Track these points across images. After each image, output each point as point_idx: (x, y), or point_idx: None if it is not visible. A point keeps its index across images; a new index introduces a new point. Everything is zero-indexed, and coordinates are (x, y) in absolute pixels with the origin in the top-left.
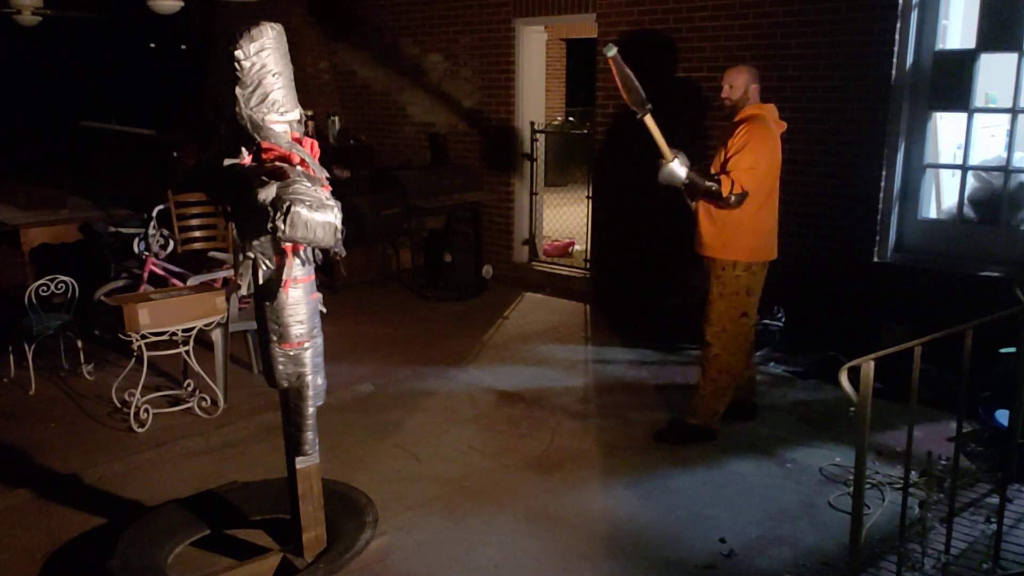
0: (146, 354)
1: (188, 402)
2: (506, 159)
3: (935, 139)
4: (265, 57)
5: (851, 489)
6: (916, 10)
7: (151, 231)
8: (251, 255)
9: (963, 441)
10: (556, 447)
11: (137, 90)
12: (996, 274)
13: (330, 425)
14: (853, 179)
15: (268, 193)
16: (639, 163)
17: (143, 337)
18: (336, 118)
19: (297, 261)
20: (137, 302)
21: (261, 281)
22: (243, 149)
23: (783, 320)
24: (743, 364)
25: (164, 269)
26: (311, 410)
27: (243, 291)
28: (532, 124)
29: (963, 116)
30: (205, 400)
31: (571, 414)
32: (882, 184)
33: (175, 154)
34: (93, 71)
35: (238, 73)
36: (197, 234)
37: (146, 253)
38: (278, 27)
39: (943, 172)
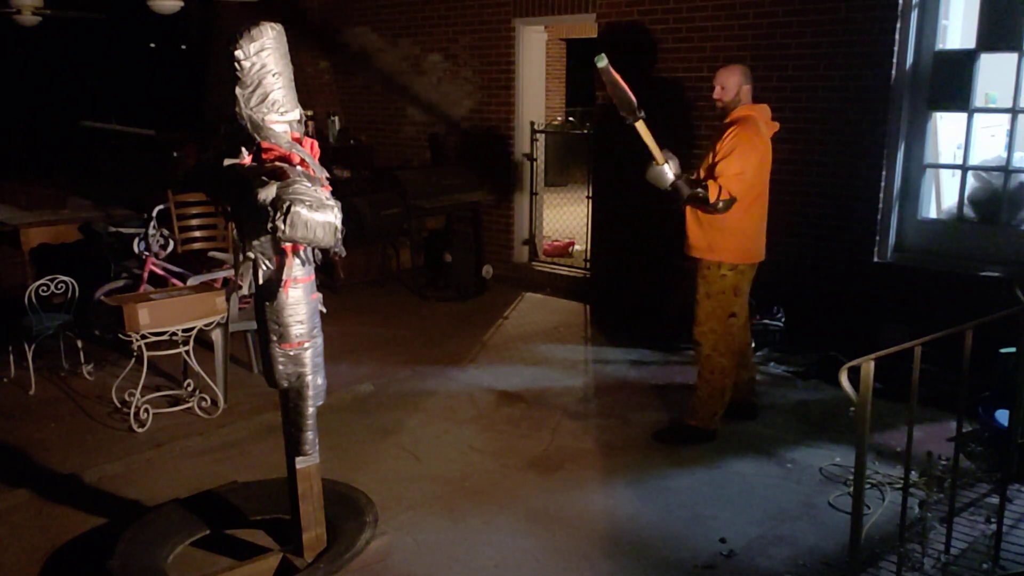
0: (146, 354)
1: (188, 402)
2: (506, 159)
3: (935, 139)
4: (265, 57)
5: (851, 489)
6: (916, 10)
7: (151, 231)
8: (251, 255)
9: (963, 441)
10: (556, 447)
11: (137, 90)
12: (996, 274)
13: (330, 425)
14: (853, 179)
15: (268, 193)
16: (639, 163)
17: (143, 337)
18: (336, 118)
19: (297, 261)
20: (137, 302)
21: (261, 281)
22: (243, 149)
23: (783, 320)
24: (735, 365)
25: (164, 269)
26: (311, 410)
27: (243, 291)
28: (532, 124)
29: (963, 116)
30: (205, 400)
31: (571, 414)
32: (882, 184)
33: (175, 154)
34: (93, 71)
35: (238, 73)
36: (197, 234)
37: (146, 253)
38: (278, 27)
39: (943, 172)
